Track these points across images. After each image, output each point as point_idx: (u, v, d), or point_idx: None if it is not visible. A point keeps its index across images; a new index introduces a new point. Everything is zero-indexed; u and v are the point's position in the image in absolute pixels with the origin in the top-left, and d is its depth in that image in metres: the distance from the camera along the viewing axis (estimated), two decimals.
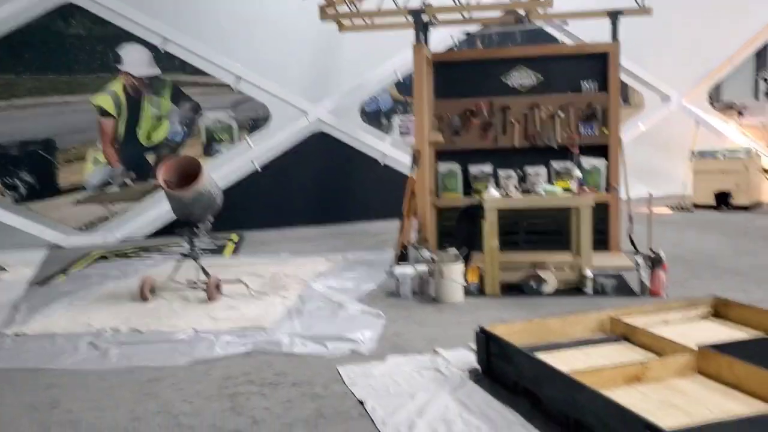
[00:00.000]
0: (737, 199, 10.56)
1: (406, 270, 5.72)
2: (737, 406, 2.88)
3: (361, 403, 3.41)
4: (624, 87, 11.14)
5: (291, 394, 3.60)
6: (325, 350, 4.28)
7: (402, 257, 6.44)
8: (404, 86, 10.39)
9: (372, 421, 3.20)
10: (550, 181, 6.67)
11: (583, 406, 2.81)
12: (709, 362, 3.22)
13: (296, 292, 5.79)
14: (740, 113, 12.13)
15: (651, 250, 5.47)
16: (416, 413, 3.24)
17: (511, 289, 5.60)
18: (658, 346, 3.56)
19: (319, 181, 10.42)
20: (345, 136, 10.45)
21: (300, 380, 3.79)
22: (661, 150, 11.59)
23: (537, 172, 6.73)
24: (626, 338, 3.82)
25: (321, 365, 4.03)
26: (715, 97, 12.30)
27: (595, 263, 5.67)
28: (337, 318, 5.00)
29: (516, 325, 3.85)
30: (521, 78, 6.81)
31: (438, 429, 3.06)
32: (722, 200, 10.63)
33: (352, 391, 3.58)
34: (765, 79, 12.11)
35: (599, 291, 5.47)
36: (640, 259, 5.43)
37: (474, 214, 5.88)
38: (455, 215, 6.54)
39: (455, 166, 6.94)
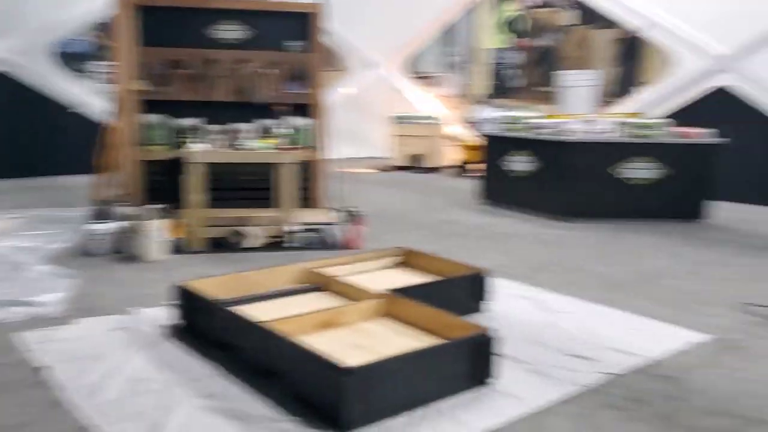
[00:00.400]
0: (427, 162, 11.66)
1: (104, 227, 5.34)
2: (417, 343, 3.19)
3: (42, 369, 3.12)
4: (332, 51, 11.54)
5: None
6: (2, 315, 3.82)
7: (101, 213, 5.99)
8: (107, 29, 9.57)
9: (55, 387, 2.94)
10: (260, 137, 6.68)
11: (275, 353, 2.89)
12: (395, 306, 3.52)
13: None
14: (433, 83, 13.36)
15: (350, 206, 5.81)
16: (106, 375, 3.06)
17: (218, 245, 5.55)
18: (350, 294, 3.79)
19: (5, 130, 9.21)
20: (35, 79, 9.34)
21: None
22: (366, 114, 12.29)
23: (244, 128, 6.69)
24: (323, 288, 4.01)
25: None
26: (413, 67, 13.35)
27: (300, 219, 5.84)
28: (17, 280, 4.48)
29: (216, 280, 3.82)
30: (229, 31, 6.67)
31: (134, 388, 2.93)
32: (415, 162, 11.67)
33: (31, 358, 3.25)
34: (452, 54, 13.45)
35: (302, 245, 5.66)
36: (339, 215, 5.72)
37: (178, 167, 5.67)
38: (162, 169, 6.25)
39: (162, 118, 6.60)
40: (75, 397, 2.84)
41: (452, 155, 11.67)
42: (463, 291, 3.85)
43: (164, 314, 3.84)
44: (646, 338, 3.57)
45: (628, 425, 2.62)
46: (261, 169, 6.78)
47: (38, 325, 3.69)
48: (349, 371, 2.50)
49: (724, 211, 7.44)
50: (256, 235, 5.60)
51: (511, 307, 4.08)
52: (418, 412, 2.69)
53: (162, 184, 6.12)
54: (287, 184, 5.64)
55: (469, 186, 9.59)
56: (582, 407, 2.77)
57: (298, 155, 5.92)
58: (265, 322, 3.11)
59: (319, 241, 5.76)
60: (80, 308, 4.01)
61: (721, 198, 7.36)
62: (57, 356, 3.26)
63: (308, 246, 5.65)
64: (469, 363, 2.86)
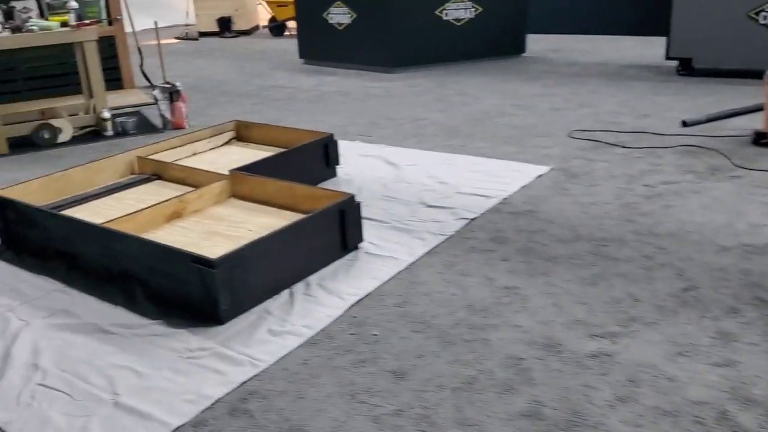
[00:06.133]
0: (238, 25, 10.96)
1: None
2: (272, 219, 3.05)
3: None
4: None
5: None
6: None
7: None
8: None
9: None
10: (42, 15, 5.81)
11: (123, 254, 2.62)
12: (241, 185, 3.31)
13: None
14: None
15: (167, 82, 5.30)
16: None
17: (22, 145, 4.89)
18: (192, 179, 3.51)
19: None
20: None
21: None
22: None
23: (26, 7, 5.76)
24: (159, 176, 3.69)
25: None
26: None
27: (111, 102, 5.28)
28: None
29: (34, 184, 3.36)
30: None
31: None
32: (224, 26, 10.92)
33: None
34: None
35: (120, 131, 5.15)
36: (157, 93, 5.23)
37: None
38: None
39: None
40: None
41: (265, 14, 11.05)
42: (310, 159, 3.69)
43: None
44: (494, 178, 3.67)
45: (495, 265, 2.71)
46: (56, 53, 6.00)
47: None
48: (218, 262, 2.32)
49: (536, 44, 7.73)
50: (68, 127, 4.99)
51: (359, 167, 4.01)
52: (292, 290, 2.60)
53: None
54: (91, 65, 5.00)
55: (290, 45, 9.20)
56: (450, 255, 2.81)
57: (97, 30, 5.22)
58: (106, 222, 2.80)
59: (139, 125, 5.27)
60: None
61: (532, 31, 7.61)
62: None
63: (127, 132, 5.15)
64: (338, 232, 2.78)
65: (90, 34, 4.97)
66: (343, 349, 2.21)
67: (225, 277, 2.35)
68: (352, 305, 2.48)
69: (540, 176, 3.67)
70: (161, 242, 2.52)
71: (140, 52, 6.78)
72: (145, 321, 2.46)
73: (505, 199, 3.38)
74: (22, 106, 5.55)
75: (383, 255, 2.85)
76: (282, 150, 3.91)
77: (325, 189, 3.00)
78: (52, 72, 6.21)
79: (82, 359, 2.26)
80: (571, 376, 1.98)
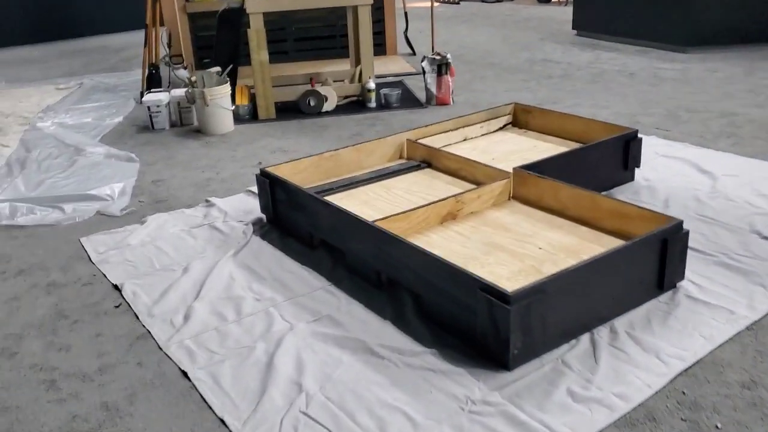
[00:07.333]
0: None
1: (159, 96, 4.69)
2: (565, 236, 2.54)
3: (118, 288, 2.61)
4: None
5: (16, 288, 2.67)
6: (61, 216, 3.32)
7: (152, 79, 5.33)
8: None
9: (134, 314, 2.43)
10: None
11: (398, 261, 2.27)
12: (526, 186, 2.83)
13: (16, 136, 4.54)
14: None
15: (437, 52, 4.95)
16: (192, 293, 2.53)
17: (287, 110, 4.86)
18: (466, 171, 3.11)
19: None
20: None
21: (28, 265, 2.85)
22: None
23: None
24: (428, 163, 3.33)
25: (57, 238, 3.09)
26: None
27: (378, 71, 5.06)
28: (75, 168, 3.95)
29: (304, 162, 3.17)
30: None
31: (224, 313, 2.39)
32: None
33: (103, 272, 2.74)
34: None
35: (383, 104, 4.92)
36: (425, 64, 4.89)
37: (234, 19, 4.87)
38: (213, 23, 5.47)
39: None
40: (160, 330, 2.32)
41: None
42: (607, 158, 3.10)
43: (245, 203, 3.28)
44: None
45: None
46: (326, 14, 5.94)
47: (106, 225, 3.17)
48: (515, 297, 1.87)
49: None
50: (333, 95, 4.85)
51: (661, 172, 3.33)
52: (594, 336, 2.08)
53: (214, 41, 5.35)
54: (362, 31, 4.79)
55: (558, 14, 8.48)
56: None
57: None
58: (379, 220, 2.48)
59: (401, 98, 4.99)
60: (148, 200, 3.46)
61: None
62: (132, 268, 2.73)
63: (390, 105, 4.89)
64: (658, 265, 2.19)
65: None
66: None
67: (520, 316, 1.90)
68: (678, 374, 1.91)
69: None
70: (444, 258, 2.12)
71: (406, 17, 6.53)
72: (417, 347, 2.10)
73: None
74: (290, 69, 5.56)
75: (711, 303, 2.21)
76: (570, 144, 3.36)
77: (638, 206, 2.41)
78: (319, 35, 6.18)
79: (348, 386, 1.95)
80: None
